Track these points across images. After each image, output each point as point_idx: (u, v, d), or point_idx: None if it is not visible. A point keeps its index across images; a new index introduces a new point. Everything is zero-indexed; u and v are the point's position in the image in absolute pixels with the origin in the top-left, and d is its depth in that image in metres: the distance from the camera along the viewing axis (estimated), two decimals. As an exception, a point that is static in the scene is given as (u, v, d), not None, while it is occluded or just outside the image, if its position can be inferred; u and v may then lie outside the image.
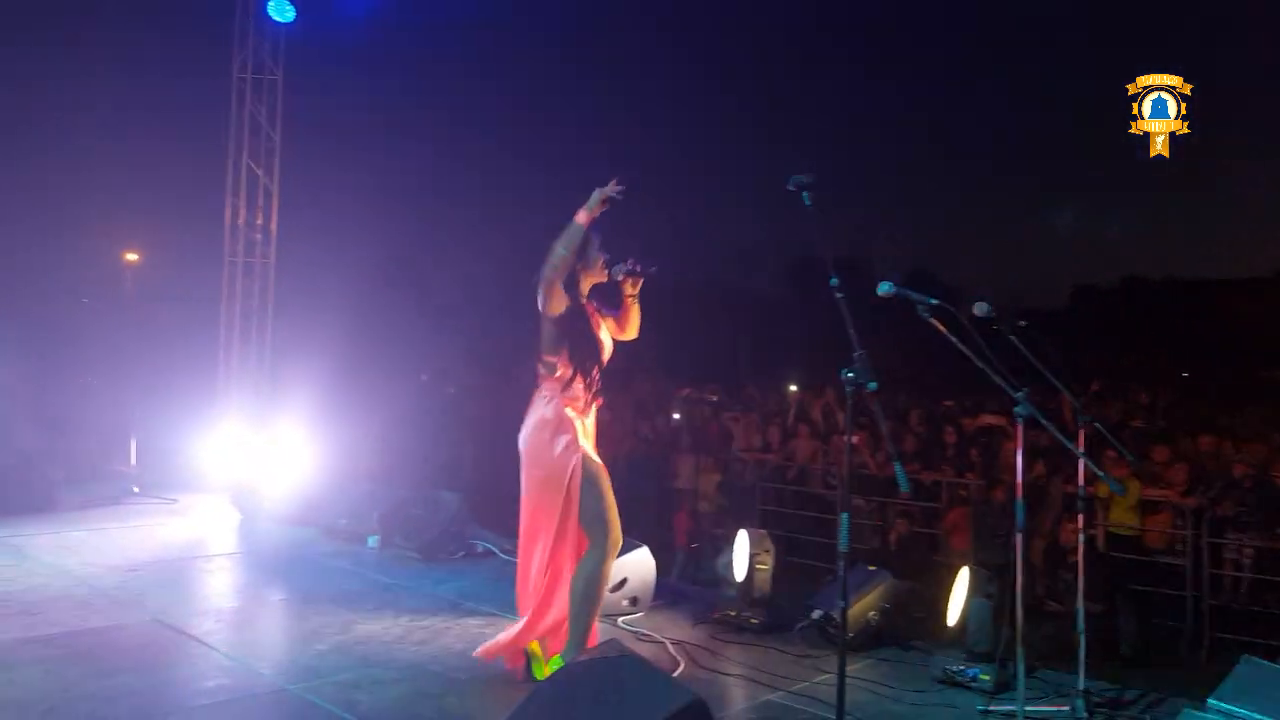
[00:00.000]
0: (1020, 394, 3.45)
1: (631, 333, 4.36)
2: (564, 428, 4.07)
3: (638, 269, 4.20)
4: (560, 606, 4.15)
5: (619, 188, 3.96)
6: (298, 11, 10.68)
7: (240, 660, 4.45)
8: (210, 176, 11.42)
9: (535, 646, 4.25)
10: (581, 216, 3.97)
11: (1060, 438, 3.53)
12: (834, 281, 3.20)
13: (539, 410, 4.13)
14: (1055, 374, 4.01)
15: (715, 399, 12.89)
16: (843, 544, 3.06)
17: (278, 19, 10.65)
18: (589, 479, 4.08)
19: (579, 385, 4.14)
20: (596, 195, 3.96)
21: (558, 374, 4.10)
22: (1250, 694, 3.54)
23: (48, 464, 8.34)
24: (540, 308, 4.06)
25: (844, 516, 3.13)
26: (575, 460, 4.05)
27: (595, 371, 4.18)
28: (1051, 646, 6.14)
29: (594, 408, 4.26)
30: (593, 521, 4.09)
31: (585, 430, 4.19)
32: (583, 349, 4.13)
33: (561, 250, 3.97)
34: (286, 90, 11.10)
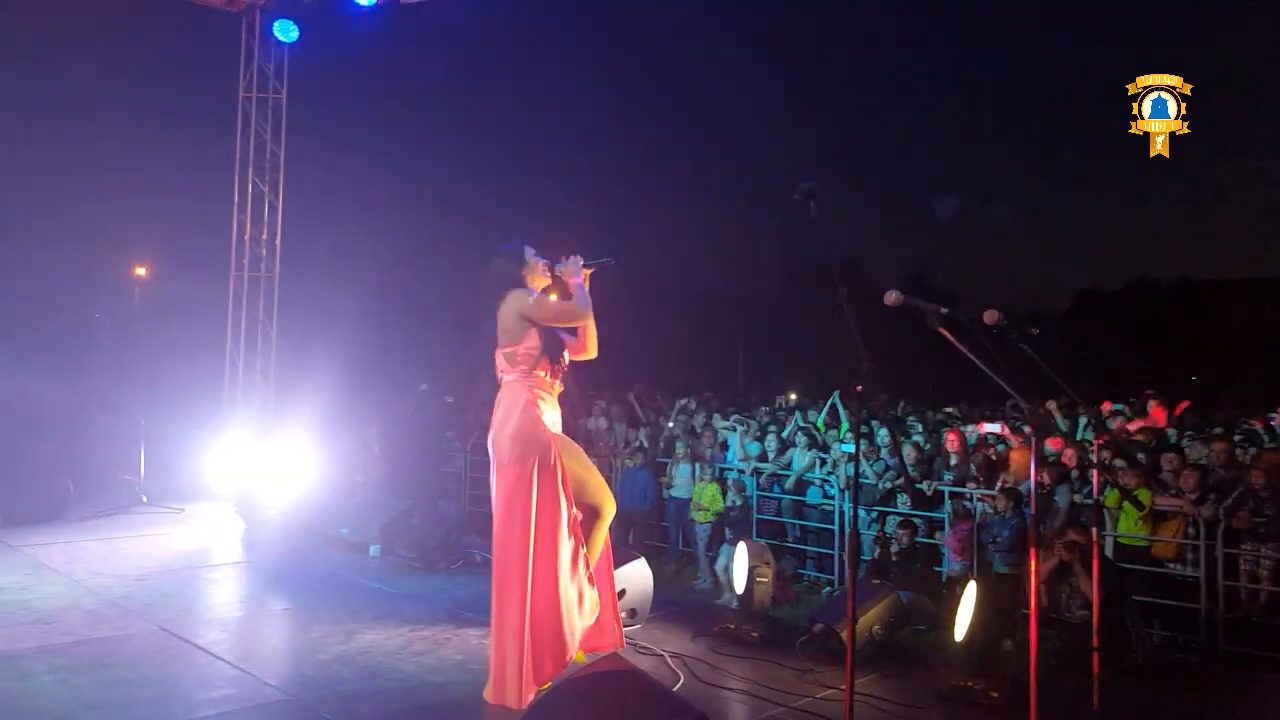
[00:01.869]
0: (1032, 404, 3.40)
1: (590, 350, 4.47)
2: (531, 410, 4.19)
3: (589, 262, 4.45)
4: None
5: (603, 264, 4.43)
6: (301, 31, 10.78)
7: (245, 670, 4.46)
8: (216, 192, 11.60)
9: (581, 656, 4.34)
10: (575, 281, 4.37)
11: (1071, 447, 3.51)
12: (842, 291, 3.21)
13: (506, 406, 4.23)
14: (1065, 383, 3.97)
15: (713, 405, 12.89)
16: (864, 554, 3.05)
17: (282, 39, 10.77)
18: (569, 451, 4.29)
19: (545, 366, 4.26)
20: (572, 266, 4.37)
21: (519, 358, 4.21)
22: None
23: (59, 475, 8.41)
24: (518, 306, 4.19)
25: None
26: (549, 437, 4.21)
27: (562, 351, 4.33)
28: (1061, 660, 6.12)
29: (557, 393, 4.38)
30: (591, 490, 4.35)
31: (554, 417, 4.33)
32: (548, 331, 4.28)
33: (580, 315, 4.34)
34: (290, 108, 11.23)
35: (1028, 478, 7.43)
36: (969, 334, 3.40)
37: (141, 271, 24.17)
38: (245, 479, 8.42)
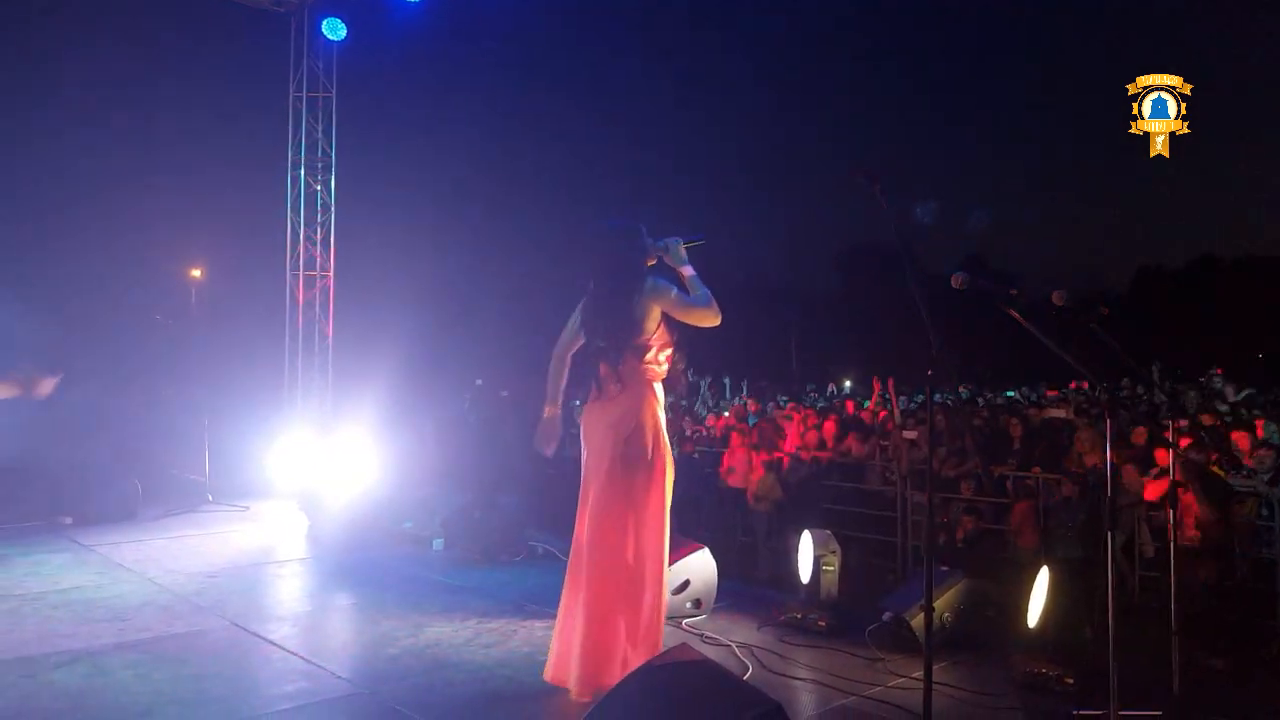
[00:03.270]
0: (1104, 385, 3.32)
1: (707, 320, 4.18)
2: (657, 409, 4.09)
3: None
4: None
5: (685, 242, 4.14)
6: (349, 29, 10.88)
7: (317, 664, 4.53)
8: (269, 193, 11.77)
9: None
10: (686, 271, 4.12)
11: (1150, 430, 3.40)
12: (913, 280, 3.14)
13: (632, 399, 4.04)
14: (1137, 363, 3.86)
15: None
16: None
17: (330, 37, 10.88)
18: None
19: (668, 359, 4.14)
20: (674, 249, 4.12)
21: (645, 350, 4.04)
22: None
23: (129, 476, 8.65)
24: (654, 297, 4.01)
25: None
26: (667, 451, 4.13)
27: (677, 340, 4.20)
28: (1138, 648, 5.95)
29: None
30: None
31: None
32: (675, 326, 4.14)
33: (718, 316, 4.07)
34: (340, 106, 11.35)
35: (1096, 460, 7.25)
36: (1038, 316, 3.32)
37: (197, 273, 24.76)
38: (307, 476, 8.56)
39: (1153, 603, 6.86)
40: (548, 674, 4.16)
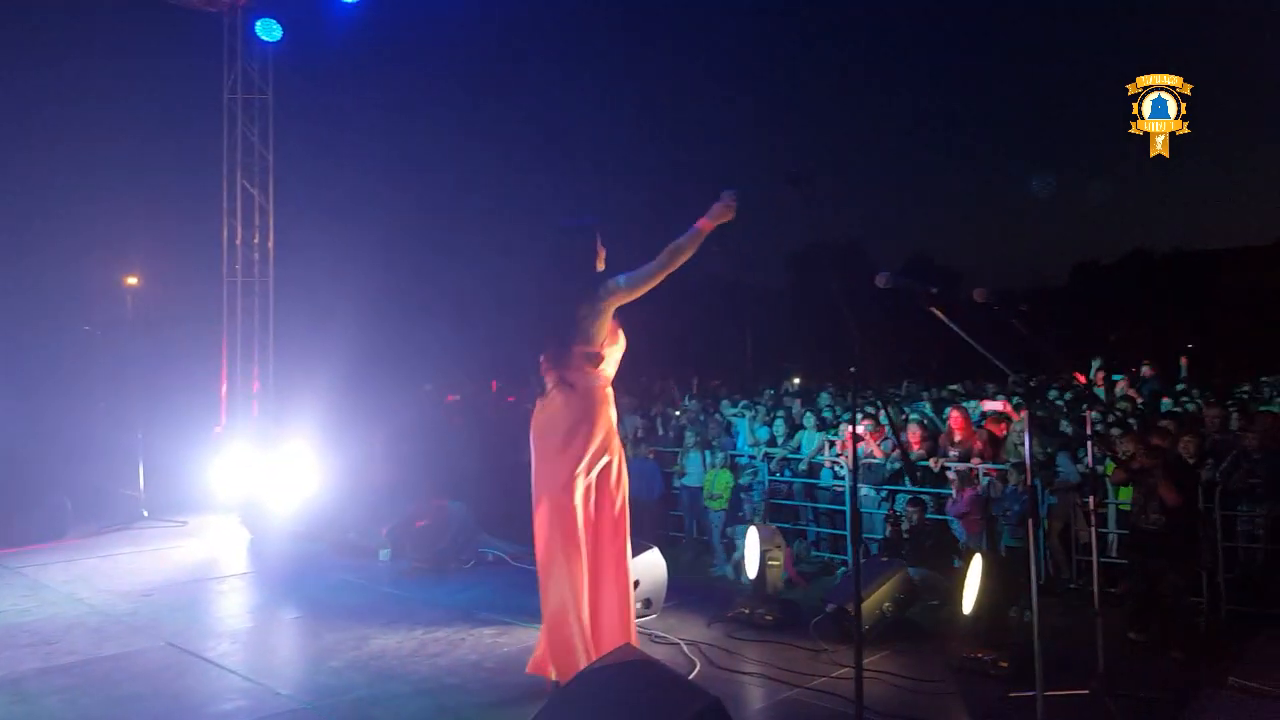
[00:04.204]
0: (1019, 377, 3.42)
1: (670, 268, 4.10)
2: (609, 413, 4.09)
3: None
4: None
5: (733, 201, 3.95)
6: (286, 30, 10.68)
7: (256, 681, 4.45)
8: (206, 198, 11.49)
9: None
10: (705, 224, 3.92)
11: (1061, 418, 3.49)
12: (833, 281, 3.19)
13: (585, 405, 4.02)
14: (1057, 356, 3.99)
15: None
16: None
17: (265, 38, 10.66)
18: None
19: (616, 361, 4.14)
20: (720, 207, 3.93)
21: (598, 357, 4.02)
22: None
23: (57, 493, 8.35)
24: (610, 299, 3.97)
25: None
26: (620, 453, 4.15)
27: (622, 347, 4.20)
28: (1068, 629, 6.12)
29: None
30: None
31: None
32: (623, 336, 4.14)
33: (686, 256, 3.91)
34: (277, 109, 11.13)
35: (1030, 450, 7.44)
36: (960, 312, 3.41)
37: (133, 281, 24.10)
38: (249, 488, 8.38)
39: (1105, 587, 7.05)
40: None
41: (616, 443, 4.17)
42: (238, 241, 11.06)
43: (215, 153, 11.17)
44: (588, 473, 4.04)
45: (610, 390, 4.16)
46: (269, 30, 10.60)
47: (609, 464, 4.10)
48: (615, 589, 4.16)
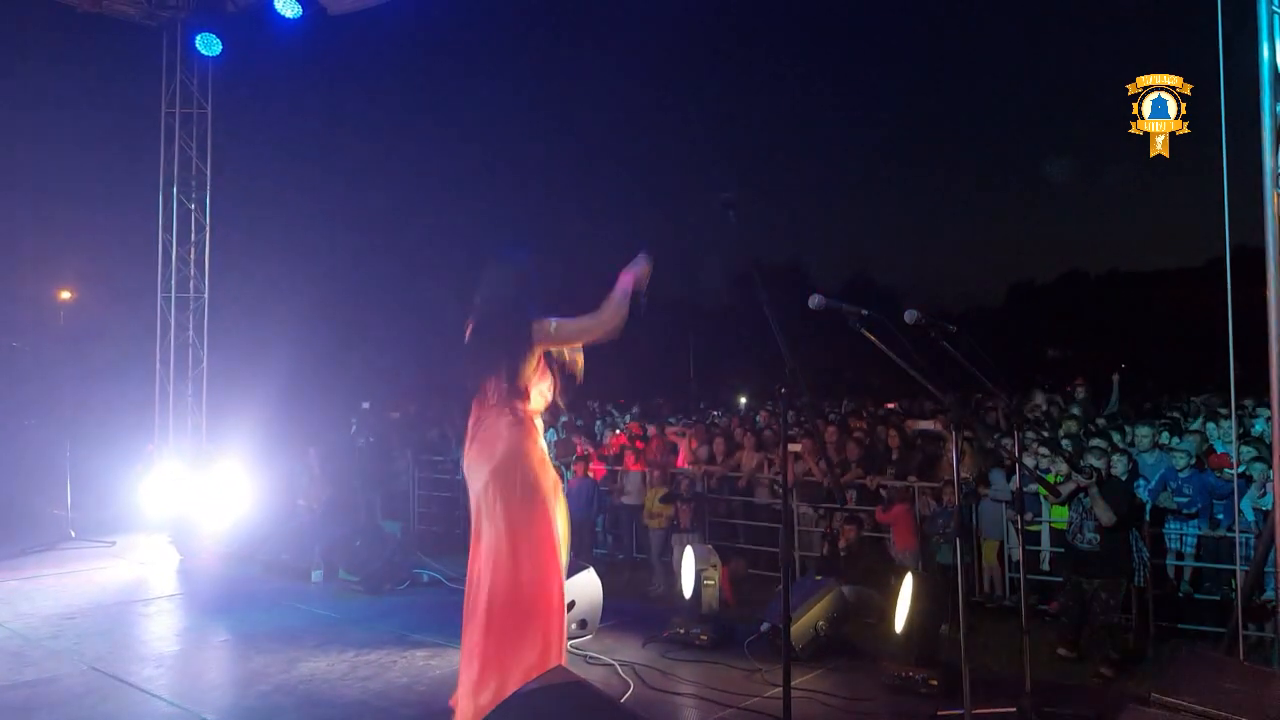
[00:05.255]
0: (948, 399, 3.50)
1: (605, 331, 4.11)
2: (537, 448, 4.06)
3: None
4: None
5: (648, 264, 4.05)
6: (225, 45, 10.55)
7: (183, 706, 4.34)
8: (142, 212, 11.28)
9: None
10: (627, 282, 3.98)
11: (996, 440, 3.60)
12: (762, 297, 3.24)
13: (512, 439, 3.99)
14: (988, 377, 4.09)
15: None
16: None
17: (205, 53, 10.53)
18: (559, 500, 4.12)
19: (544, 393, 4.11)
20: (641, 270, 4.01)
21: (526, 390, 4.01)
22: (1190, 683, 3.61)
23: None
24: (540, 342, 3.98)
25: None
26: (554, 478, 4.10)
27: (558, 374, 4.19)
28: (999, 646, 6.25)
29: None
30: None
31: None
32: (556, 371, 4.14)
33: (619, 315, 3.96)
34: (216, 124, 10.98)
35: (965, 470, 7.61)
36: (890, 334, 3.49)
37: (66, 295, 23.45)
38: (180, 508, 8.19)
39: (1038, 604, 7.23)
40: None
41: (548, 472, 4.14)
42: (173, 257, 10.85)
43: (152, 167, 11.00)
44: (520, 503, 4.02)
45: (539, 420, 4.15)
46: (209, 45, 10.47)
47: (534, 492, 4.06)
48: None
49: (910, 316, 3.81)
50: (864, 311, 3.41)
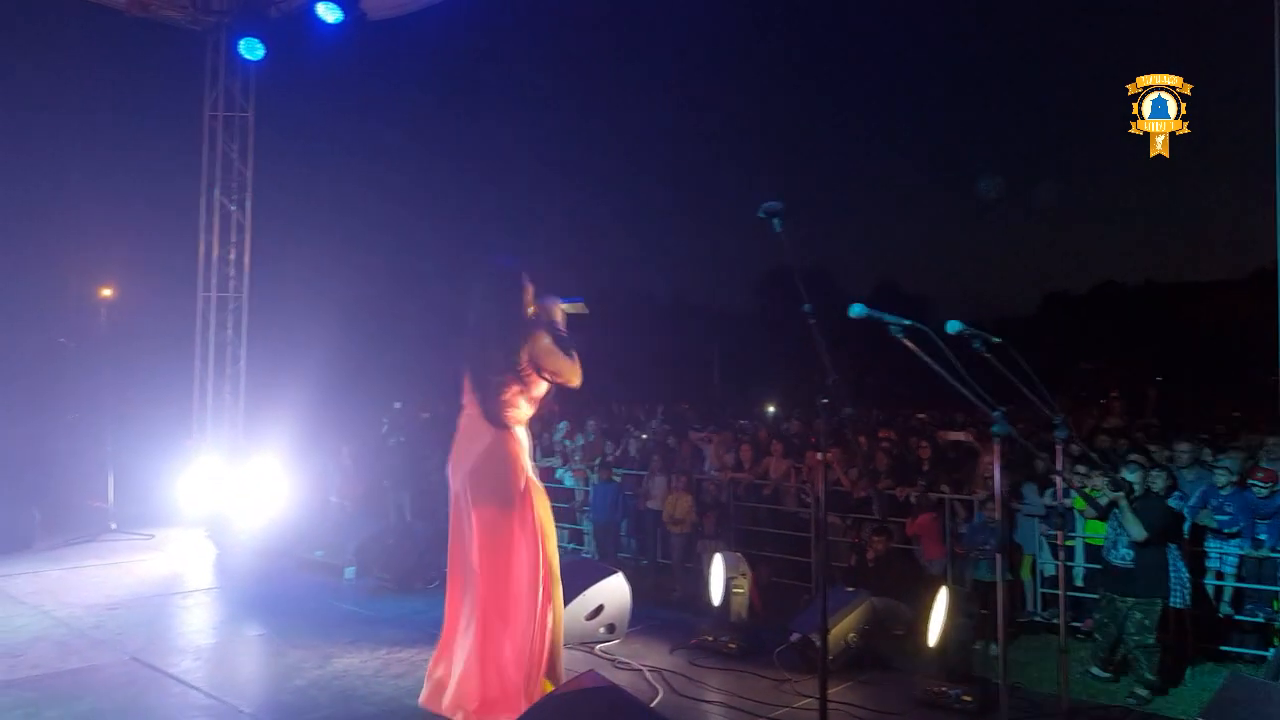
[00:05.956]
0: (997, 412, 3.44)
1: (573, 381, 4.22)
2: (521, 457, 4.11)
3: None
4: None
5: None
6: (268, 49, 10.73)
7: (219, 698, 4.42)
8: (184, 213, 11.48)
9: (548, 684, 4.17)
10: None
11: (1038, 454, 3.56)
12: (807, 308, 3.24)
13: (492, 446, 4.05)
14: (1031, 389, 4.03)
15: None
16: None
17: (248, 57, 10.70)
18: (542, 501, 4.15)
19: (531, 400, 4.15)
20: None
21: (514, 398, 4.07)
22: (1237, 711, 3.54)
23: (25, 503, 8.26)
24: (532, 356, 4.03)
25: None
26: (536, 486, 4.14)
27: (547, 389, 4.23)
28: (1031, 663, 6.19)
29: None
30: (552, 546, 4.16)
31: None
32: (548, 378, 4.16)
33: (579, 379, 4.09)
34: (258, 126, 11.16)
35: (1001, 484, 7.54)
36: (931, 344, 3.45)
37: (108, 293, 23.90)
38: (217, 503, 8.33)
39: (1072, 621, 7.13)
40: (440, 705, 4.08)
41: (528, 475, 4.16)
42: (214, 257, 11.03)
43: (194, 168, 11.17)
44: (503, 503, 4.06)
45: (522, 429, 4.18)
46: (252, 50, 10.63)
47: (516, 492, 4.09)
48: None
49: (953, 327, 3.77)
50: (907, 321, 3.38)
